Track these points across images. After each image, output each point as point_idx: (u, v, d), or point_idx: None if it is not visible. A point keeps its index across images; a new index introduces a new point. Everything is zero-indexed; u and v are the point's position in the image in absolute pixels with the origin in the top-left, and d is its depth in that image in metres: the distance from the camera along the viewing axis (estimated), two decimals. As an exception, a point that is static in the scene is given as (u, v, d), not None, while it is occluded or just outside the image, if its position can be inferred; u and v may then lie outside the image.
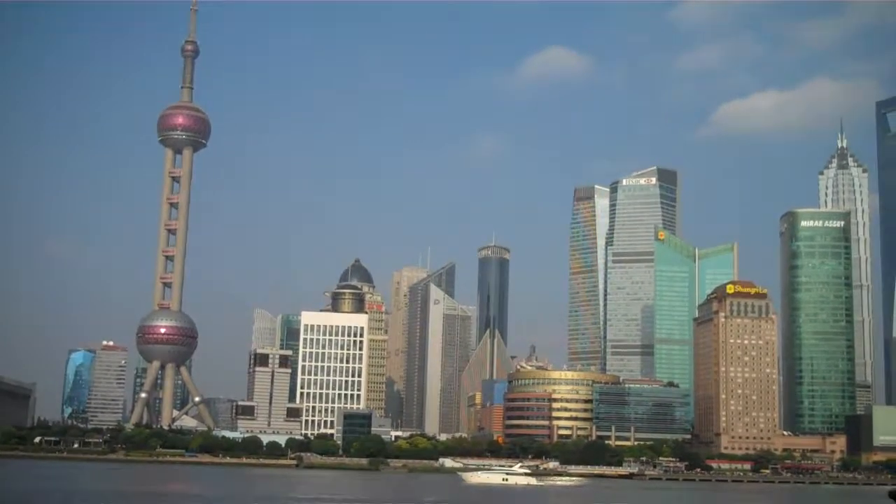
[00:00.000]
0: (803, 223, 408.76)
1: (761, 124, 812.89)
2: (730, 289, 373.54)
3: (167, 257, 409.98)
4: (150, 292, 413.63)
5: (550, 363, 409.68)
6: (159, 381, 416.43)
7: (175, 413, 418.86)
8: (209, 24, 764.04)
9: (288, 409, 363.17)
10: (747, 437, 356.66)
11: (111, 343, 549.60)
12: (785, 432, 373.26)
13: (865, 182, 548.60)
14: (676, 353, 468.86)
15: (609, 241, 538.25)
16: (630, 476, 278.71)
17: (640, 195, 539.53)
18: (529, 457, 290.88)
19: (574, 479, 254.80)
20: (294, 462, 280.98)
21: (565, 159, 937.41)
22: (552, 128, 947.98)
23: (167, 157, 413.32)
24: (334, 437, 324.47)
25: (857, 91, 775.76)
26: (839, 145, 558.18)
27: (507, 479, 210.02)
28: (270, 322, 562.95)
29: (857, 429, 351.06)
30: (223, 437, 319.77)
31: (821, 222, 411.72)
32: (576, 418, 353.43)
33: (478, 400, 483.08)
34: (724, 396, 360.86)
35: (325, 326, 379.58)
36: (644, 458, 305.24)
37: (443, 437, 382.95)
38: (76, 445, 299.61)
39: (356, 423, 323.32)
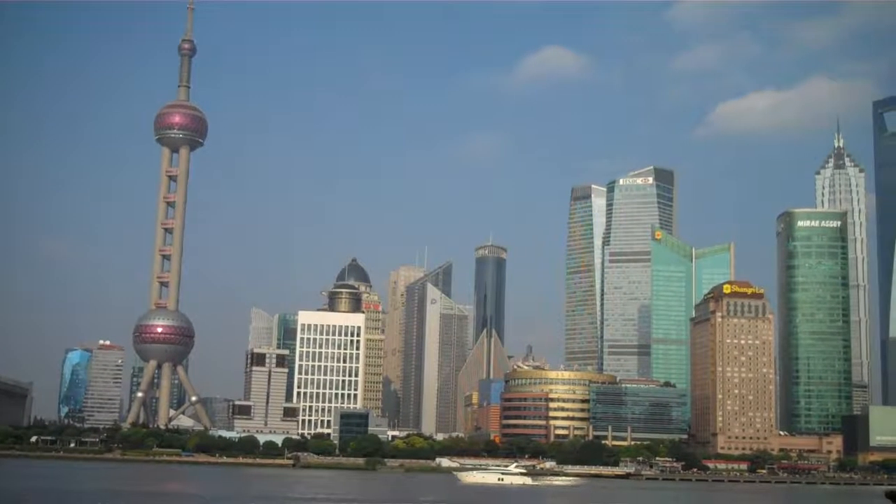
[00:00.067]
0: (800, 223, 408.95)
1: (758, 124, 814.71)
2: (726, 289, 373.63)
3: (164, 256, 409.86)
4: (147, 292, 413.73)
5: (547, 363, 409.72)
6: (156, 381, 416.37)
7: (172, 412, 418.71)
8: (209, 23, 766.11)
9: (285, 408, 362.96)
10: (744, 437, 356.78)
11: (108, 342, 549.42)
12: (781, 432, 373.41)
13: (862, 182, 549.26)
14: (673, 353, 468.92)
15: (606, 241, 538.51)
16: (627, 476, 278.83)
17: (637, 195, 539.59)
18: (526, 456, 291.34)
19: (570, 478, 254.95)
20: (291, 462, 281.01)
21: (562, 159, 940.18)
22: (549, 127, 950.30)
23: (164, 155, 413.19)
24: (331, 437, 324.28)
25: (854, 91, 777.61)
26: (836, 145, 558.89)
27: (502, 479, 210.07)
28: (267, 321, 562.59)
29: (853, 429, 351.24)
30: (220, 436, 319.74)
31: (817, 222, 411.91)
32: (572, 418, 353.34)
33: (474, 400, 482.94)
34: (720, 396, 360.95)
35: (322, 326, 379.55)
36: (641, 458, 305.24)
37: (439, 436, 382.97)
38: (73, 445, 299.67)
39: (353, 422, 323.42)
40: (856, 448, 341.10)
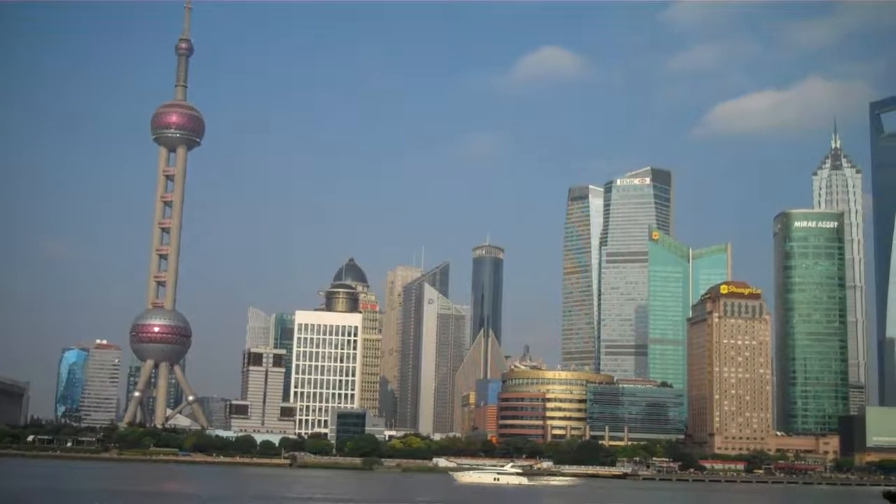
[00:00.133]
0: (797, 224, 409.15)
1: (755, 125, 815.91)
2: (723, 289, 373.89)
3: (161, 256, 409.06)
4: (145, 291, 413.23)
5: (544, 363, 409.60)
6: (153, 380, 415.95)
7: (169, 412, 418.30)
8: (208, 23, 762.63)
9: (282, 408, 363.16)
10: (741, 438, 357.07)
11: (105, 342, 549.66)
12: (778, 433, 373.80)
13: (859, 183, 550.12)
14: (670, 354, 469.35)
15: (603, 241, 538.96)
16: (623, 476, 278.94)
17: (635, 195, 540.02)
18: (523, 456, 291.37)
19: (567, 478, 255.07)
20: (288, 461, 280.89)
21: (560, 159, 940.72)
22: (547, 127, 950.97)
23: (161, 155, 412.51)
24: (328, 437, 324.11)
25: (851, 92, 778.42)
26: (833, 146, 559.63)
27: (498, 479, 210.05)
28: (264, 321, 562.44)
29: (850, 429, 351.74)
30: (217, 436, 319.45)
31: (814, 223, 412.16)
32: (569, 418, 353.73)
33: (472, 400, 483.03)
34: (717, 397, 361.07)
35: (320, 326, 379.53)
36: (637, 459, 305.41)
37: (437, 436, 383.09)
38: (69, 444, 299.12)
39: (350, 422, 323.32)
40: (852, 448, 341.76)
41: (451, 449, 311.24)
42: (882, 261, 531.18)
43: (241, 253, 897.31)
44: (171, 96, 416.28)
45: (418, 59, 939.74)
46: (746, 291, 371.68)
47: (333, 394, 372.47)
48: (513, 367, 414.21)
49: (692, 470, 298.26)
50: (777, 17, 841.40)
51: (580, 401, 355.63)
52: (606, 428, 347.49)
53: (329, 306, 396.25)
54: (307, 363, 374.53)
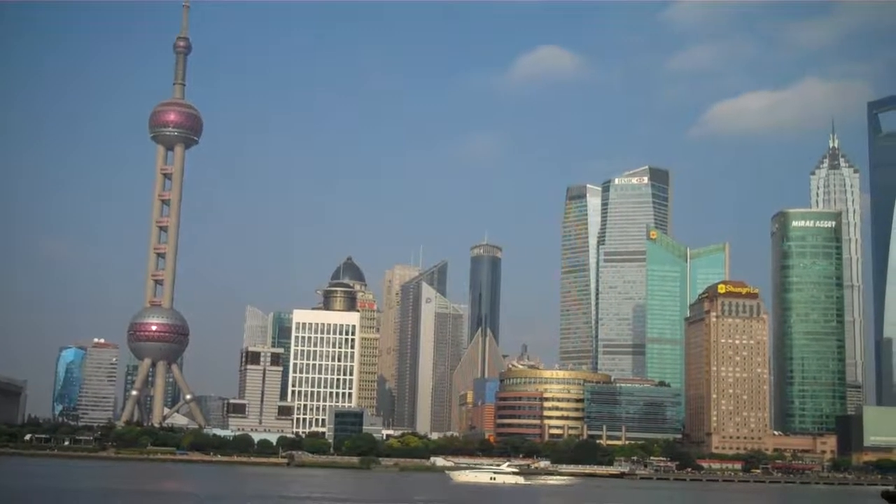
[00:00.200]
0: (794, 223, 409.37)
1: (753, 124, 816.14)
2: (721, 288, 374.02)
3: (159, 254, 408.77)
4: (143, 290, 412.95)
5: (542, 362, 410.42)
6: (150, 379, 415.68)
7: (166, 411, 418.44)
8: (207, 22, 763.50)
9: (279, 407, 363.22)
10: (738, 437, 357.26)
11: (102, 340, 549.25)
12: (776, 432, 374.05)
13: (857, 182, 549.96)
14: (668, 353, 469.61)
15: (601, 241, 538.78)
16: (621, 475, 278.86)
17: (632, 194, 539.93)
18: (521, 456, 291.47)
19: (563, 478, 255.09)
20: (285, 460, 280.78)
21: (558, 158, 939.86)
22: (545, 127, 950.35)
23: (159, 153, 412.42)
24: (326, 436, 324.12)
25: (849, 92, 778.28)
26: (831, 146, 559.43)
27: (494, 478, 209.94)
28: (262, 320, 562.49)
29: (847, 429, 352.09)
30: (214, 435, 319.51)
31: (812, 222, 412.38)
32: (567, 417, 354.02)
33: (469, 399, 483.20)
34: (715, 396, 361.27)
35: (317, 324, 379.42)
36: (635, 458, 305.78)
37: (434, 435, 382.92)
38: (67, 443, 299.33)
39: (348, 421, 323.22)
40: (850, 448, 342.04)
41: (448, 448, 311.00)
42: (880, 260, 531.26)
43: (238, 252, 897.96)
44: (170, 95, 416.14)
45: (418, 59, 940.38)
46: (744, 291, 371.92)
47: (331, 393, 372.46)
48: (510, 366, 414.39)
49: (689, 469, 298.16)
50: (776, 17, 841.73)
51: (578, 400, 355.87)
52: (604, 427, 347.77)
53: (327, 305, 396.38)
54: (305, 362, 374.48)
